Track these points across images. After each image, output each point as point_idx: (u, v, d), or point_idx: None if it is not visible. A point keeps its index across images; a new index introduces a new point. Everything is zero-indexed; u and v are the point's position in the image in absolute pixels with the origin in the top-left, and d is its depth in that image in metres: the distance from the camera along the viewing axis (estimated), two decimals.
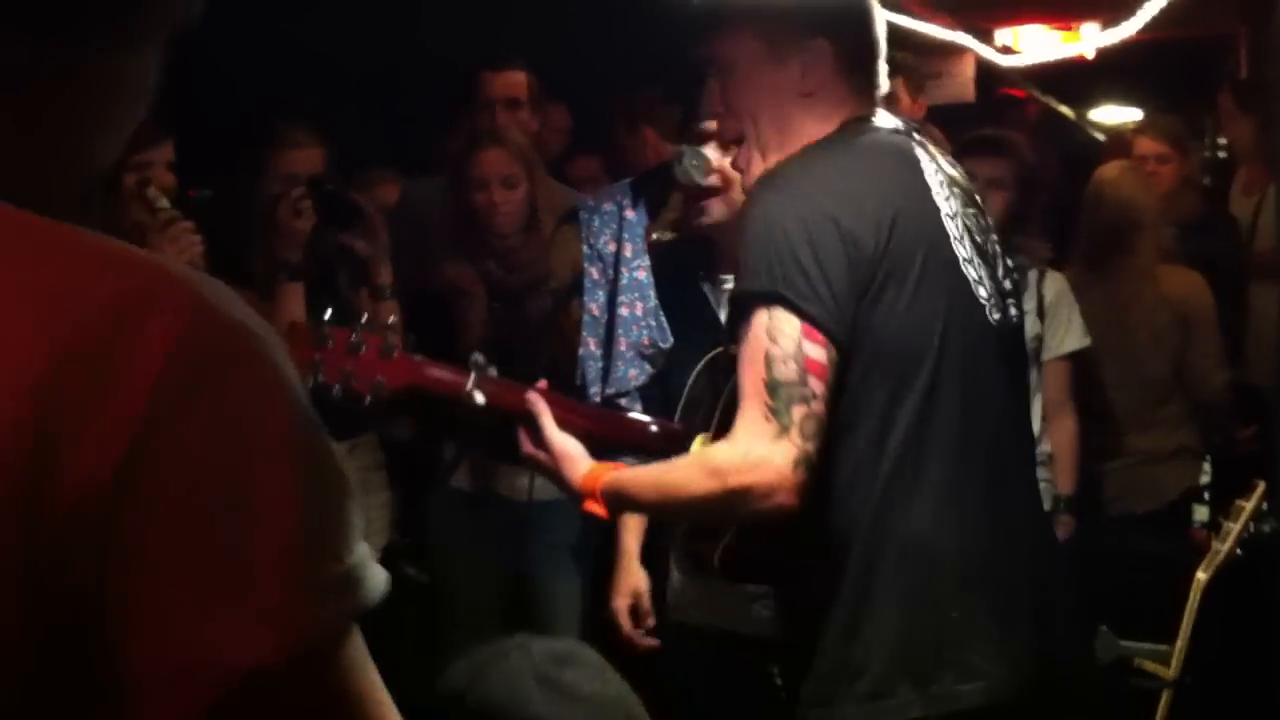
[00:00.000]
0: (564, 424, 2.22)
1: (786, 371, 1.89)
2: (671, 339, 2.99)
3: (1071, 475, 4.05)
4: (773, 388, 1.89)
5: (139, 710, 0.78)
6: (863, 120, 2.13)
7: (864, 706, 1.98)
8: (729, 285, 2.94)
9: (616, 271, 3.11)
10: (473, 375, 2.25)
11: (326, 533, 0.83)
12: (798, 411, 1.88)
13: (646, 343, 3.03)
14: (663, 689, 3.25)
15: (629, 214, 3.16)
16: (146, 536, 0.78)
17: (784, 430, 1.88)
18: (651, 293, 3.05)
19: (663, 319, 3.02)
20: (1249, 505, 3.12)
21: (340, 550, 0.83)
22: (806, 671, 2.05)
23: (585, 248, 3.18)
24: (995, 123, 5.80)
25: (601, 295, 3.13)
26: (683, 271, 2.95)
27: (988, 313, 2.08)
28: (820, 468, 1.93)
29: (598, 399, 3.08)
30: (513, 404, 2.25)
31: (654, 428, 2.41)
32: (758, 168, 2.15)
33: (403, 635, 3.66)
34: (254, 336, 0.83)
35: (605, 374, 3.08)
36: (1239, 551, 3.08)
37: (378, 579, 0.85)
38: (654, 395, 3.02)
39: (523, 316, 3.65)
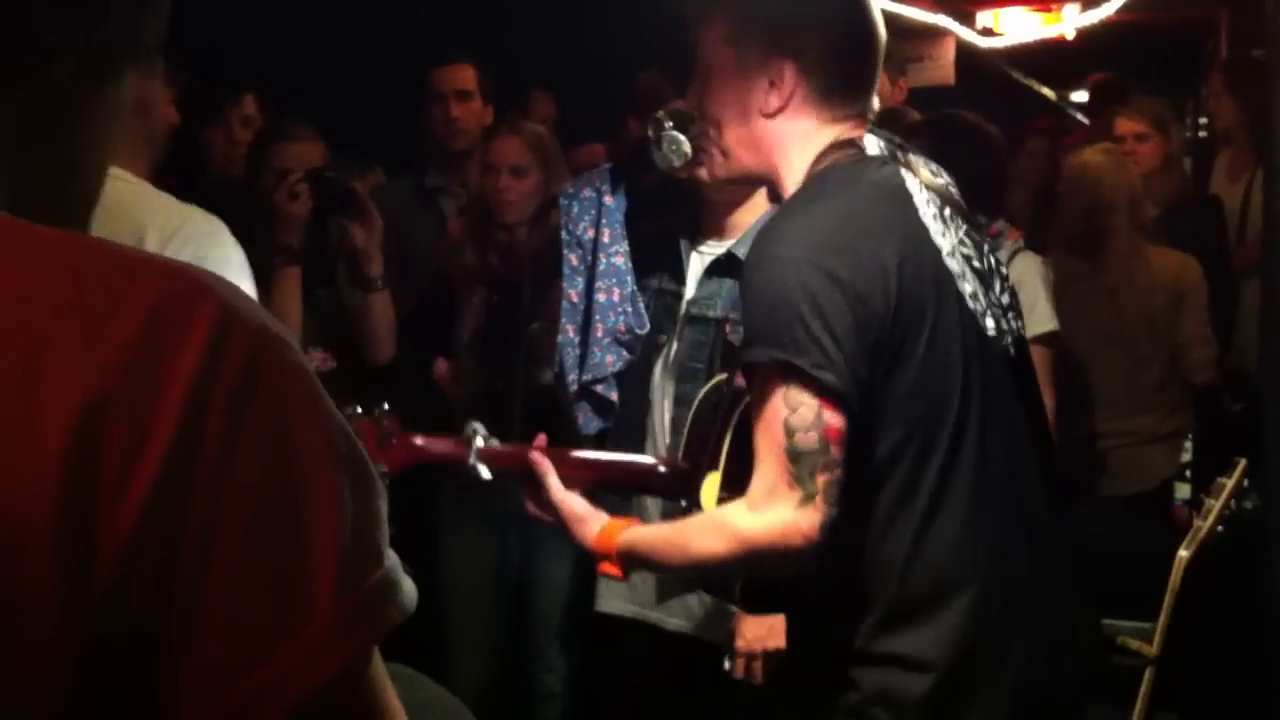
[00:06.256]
0: (568, 480, 2.22)
1: (807, 440, 1.87)
2: (649, 325, 2.99)
3: None
4: (794, 456, 1.87)
5: None
6: (847, 146, 2.05)
7: None
8: (707, 251, 2.95)
9: (594, 258, 3.10)
10: (473, 449, 2.26)
11: (368, 538, 0.81)
12: (821, 479, 1.87)
13: (623, 329, 3.01)
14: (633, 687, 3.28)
15: (608, 200, 3.14)
16: (209, 561, 0.75)
17: (809, 497, 1.87)
18: (629, 279, 3.04)
19: (640, 305, 3.01)
20: (1230, 482, 3.13)
21: (380, 555, 0.81)
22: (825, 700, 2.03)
23: (564, 234, 3.16)
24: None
25: (580, 281, 3.11)
26: (665, 230, 2.98)
27: (996, 341, 2.05)
28: (852, 514, 1.92)
29: (575, 386, 3.07)
30: (516, 467, 2.26)
31: (661, 469, 2.40)
32: (716, 167, 2.14)
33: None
34: (279, 339, 0.81)
35: (582, 360, 3.07)
36: (1220, 529, 3.09)
37: (409, 584, 0.83)
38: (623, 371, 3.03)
39: (518, 309, 3.64)
